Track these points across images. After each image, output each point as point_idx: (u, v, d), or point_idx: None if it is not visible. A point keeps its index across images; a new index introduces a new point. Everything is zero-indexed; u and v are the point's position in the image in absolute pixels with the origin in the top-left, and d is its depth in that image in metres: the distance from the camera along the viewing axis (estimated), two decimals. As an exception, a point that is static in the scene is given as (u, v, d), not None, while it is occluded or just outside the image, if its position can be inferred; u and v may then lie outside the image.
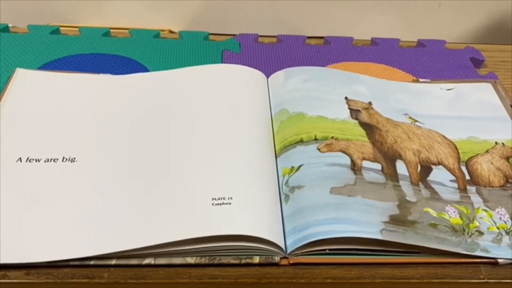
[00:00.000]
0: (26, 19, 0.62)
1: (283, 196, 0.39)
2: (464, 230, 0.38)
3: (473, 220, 0.38)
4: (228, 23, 0.75)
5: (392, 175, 0.41)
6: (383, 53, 0.59)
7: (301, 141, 0.42)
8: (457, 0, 0.79)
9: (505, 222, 0.39)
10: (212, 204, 0.36)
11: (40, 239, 0.35)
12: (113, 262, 0.35)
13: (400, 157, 0.42)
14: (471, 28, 0.83)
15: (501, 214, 0.39)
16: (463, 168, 0.43)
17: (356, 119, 0.45)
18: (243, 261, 0.35)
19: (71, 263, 0.34)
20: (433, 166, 0.43)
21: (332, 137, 0.42)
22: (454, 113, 0.49)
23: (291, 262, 0.36)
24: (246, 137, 0.42)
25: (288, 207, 0.38)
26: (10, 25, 0.59)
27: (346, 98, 0.47)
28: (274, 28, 0.66)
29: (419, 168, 0.42)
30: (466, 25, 0.82)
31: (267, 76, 0.51)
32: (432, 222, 0.37)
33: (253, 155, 0.41)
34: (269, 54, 0.58)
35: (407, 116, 0.47)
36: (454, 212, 0.39)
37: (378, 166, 0.41)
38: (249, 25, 0.67)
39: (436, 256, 0.36)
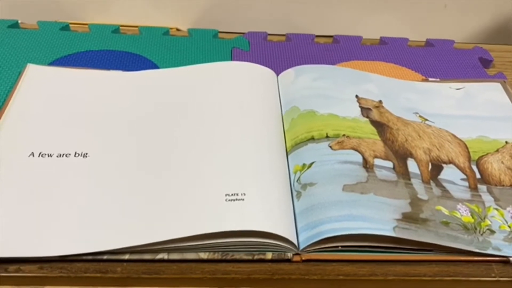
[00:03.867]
0: (34, 16, 0.62)
1: (294, 193, 0.39)
2: (475, 229, 0.38)
3: (484, 218, 0.38)
4: (235, 22, 0.76)
5: (403, 173, 0.41)
6: (392, 52, 0.59)
7: (312, 139, 0.42)
8: (463, 1, 0.79)
9: (517, 221, 0.39)
10: (226, 200, 0.36)
11: (53, 233, 0.35)
12: (126, 257, 0.35)
13: (411, 156, 0.42)
14: (477, 29, 0.83)
15: (512, 213, 0.39)
16: (474, 167, 0.43)
17: (367, 117, 0.45)
18: (255, 257, 0.35)
19: (84, 257, 0.34)
20: (443, 165, 0.43)
21: (344, 135, 0.42)
22: (464, 112, 0.49)
23: (303, 258, 0.36)
24: (257, 134, 0.42)
25: (300, 204, 0.38)
26: (19, 21, 0.59)
27: (356, 96, 0.47)
28: (283, 26, 0.66)
29: (430, 166, 0.42)
30: (473, 26, 0.83)
31: (277, 74, 0.51)
32: (444, 220, 0.38)
33: (264, 152, 0.41)
34: (278, 52, 0.58)
35: (417, 115, 0.47)
36: (465, 211, 0.39)
37: (389, 164, 0.41)
38: (258, 24, 0.67)
39: (448, 254, 0.36)
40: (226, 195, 0.36)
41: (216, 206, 0.36)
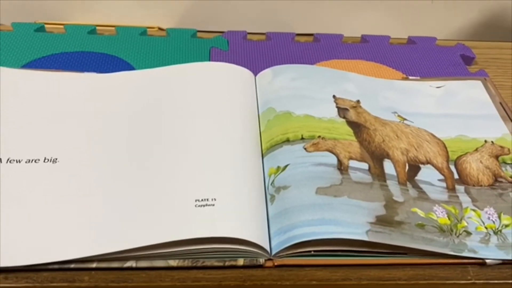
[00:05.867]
0: (13, 17, 0.61)
1: (268, 197, 0.38)
2: (452, 231, 0.37)
3: (461, 220, 0.38)
4: (218, 20, 0.75)
5: (379, 175, 0.40)
6: (373, 50, 0.58)
7: (287, 141, 0.42)
8: (449, -2, 0.78)
9: (494, 222, 0.38)
10: (195, 206, 0.35)
11: (19, 242, 0.34)
12: (94, 265, 0.34)
13: (388, 156, 0.42)
14: (463, 25, 0.82)
15: (489, 214, 0.39)
16: (452, 167, 0.42)
17: (344, 117, 0.44)
18: (227, 264, 0.35)
19: (51, 266, 0.33)
20: (421, 165, 0.42)
21: (319, 136, 0.42)
22: (444, 111, 0.48)
23: (276, 264, 0.35)
24: (231, 136, 0.42)
25: (273, 207, 0.37)
26: (-6, 23, 0.58)
27: (334, 96, 0.46)
28: (263, 25, 0.65)
29: (407, 167, 0.42)
30: (458, 22, 0.82)
31: (256, 74, 0.51)
32: (420, 222, 0.37)
33: (238, 155, 0.40)
34: (258, 51, 0.57)
35: (396, 115, 0.46)
36: (442, 212, 0.38)
37: (365, 165, 0.41)
38: (238, 22, 0.66)
39: (424, 257, 0.36)
40: (196, 200, 0.36)
41: (185, 212, 0.35)
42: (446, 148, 0.44)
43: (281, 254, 0.35)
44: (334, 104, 0.46)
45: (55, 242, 0.34)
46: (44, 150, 0.40)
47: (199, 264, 0.35)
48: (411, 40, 0.61)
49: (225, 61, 0.52)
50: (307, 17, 0.72)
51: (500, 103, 0.49)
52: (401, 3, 0.78)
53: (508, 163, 0.43)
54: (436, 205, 0.39)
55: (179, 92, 0.46)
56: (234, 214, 0.35)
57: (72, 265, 0.34)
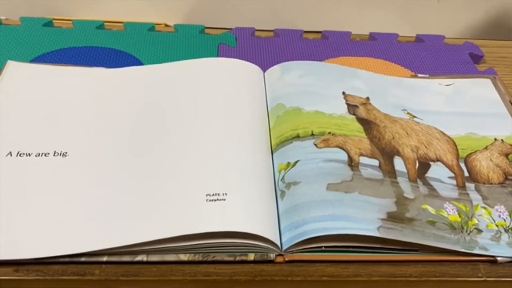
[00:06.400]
0: (19, 12, 0.60)
1: (279, 193, 0.38)
2: (462, 228, 0.37)
3: (471, 217, 0.38)
4: (225, 17, 0.75)
5: (389, 172, 0.40)
6: (381, 48, 0.58)
7: (297, 137, 0.41)
8: (456, -4, 0.78)
9: (504, 220, 0.38)
10: (206, 200, 0.35)
11: (30, 235, 0.34)
12: (105, 258, 0.34)
13: (398, 153, 0.42)
14: (470, 24, 0.82)
15: (500, 212, 0.39)
16: (462, 165, 0.42)
17: (354, 114, 0.44)
18: (237, 258, 0.35)
19: (62, 259, 0.33)
20: (431, 163, 0.42)
21: (329, 133, 0.42)
22: (453, 109, 0.48)
23: (286, 259, 0.35)
24: (241, 132, 0.42)
25: (284, 203, 0.37)
26: (2, 17, 0.57)
27: (343, 93, 0.46)
28: (271, 22, 0.66)
29: (417, 164, 0.41)
30: (465, 21, 0.82)
31: (264, 71, 0.50)
32: (430, 219, 0.37)
33: (248, 151, 0.40)
34: (266, 48, 0.57)
35: (405, 112, 0.46)
36: (452, 210, 0.38)
37: (375, 162, 0.41)
38: (246, 19, 0.66)
39: (434, 254, 0.36)
40: (207, 195, 0.35)
41: (196, 207, 0.35)
42: (456, 145, 0.44)
43: (291, 249, 0.35)
44: (344, 101, 0.45)
45: (66, 235, 0.34)
46: (54, 144, 0.40)
47: (209, 258, 0.34)
48: (419, 38, 0.61)
49: (234, 58, 0.52)
50: (315, 15, 0.72)
51: (510, 102, 0.49)
52: (408, 2, 0.78)
53: (518, 161, 0.43)
54: (447, 203, 0.38)
55: (188, 87, 0.46)
56: (245, 209, 0.35)
57: (83, 259, 0.34)
